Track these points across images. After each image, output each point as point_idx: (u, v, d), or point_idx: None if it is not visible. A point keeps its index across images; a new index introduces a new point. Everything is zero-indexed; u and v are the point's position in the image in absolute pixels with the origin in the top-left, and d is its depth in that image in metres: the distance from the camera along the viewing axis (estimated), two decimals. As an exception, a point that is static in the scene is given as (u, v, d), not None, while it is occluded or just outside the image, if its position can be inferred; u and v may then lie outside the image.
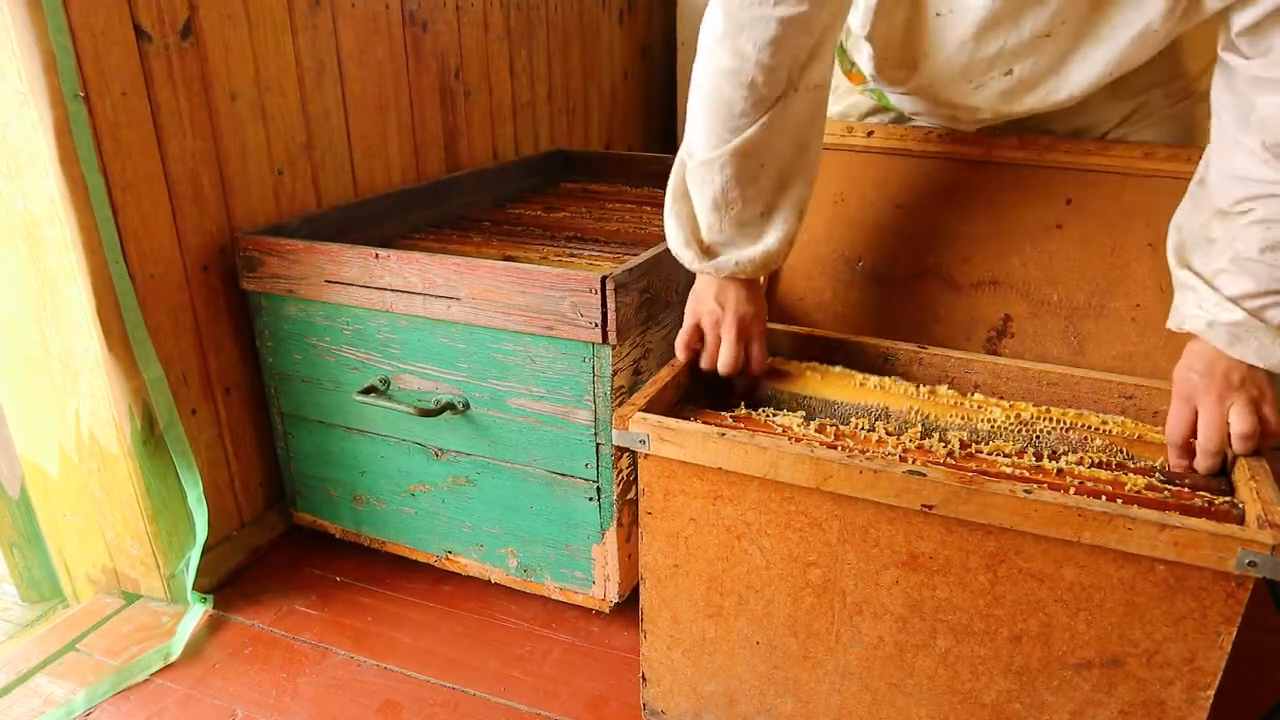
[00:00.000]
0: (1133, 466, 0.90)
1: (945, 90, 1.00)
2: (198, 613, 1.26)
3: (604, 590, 1.21)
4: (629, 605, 1.18)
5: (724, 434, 0.87)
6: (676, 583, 0.96)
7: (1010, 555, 0.80)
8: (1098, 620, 0.79)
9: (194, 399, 1.28)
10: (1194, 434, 0.86)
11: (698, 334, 1.02)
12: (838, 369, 1.06)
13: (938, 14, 0.92)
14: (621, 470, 1.15)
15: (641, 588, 0.99)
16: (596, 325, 1.06)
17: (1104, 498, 0.78)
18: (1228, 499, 0.81)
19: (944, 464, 0.87)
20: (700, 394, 1.06)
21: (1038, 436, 0.95)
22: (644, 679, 1.04)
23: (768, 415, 0.98)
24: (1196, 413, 0.86)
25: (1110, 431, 0.93)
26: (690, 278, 1.24)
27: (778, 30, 0.86)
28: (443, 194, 1.64)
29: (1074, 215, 1.08)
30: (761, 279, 1.03)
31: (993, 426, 0.96)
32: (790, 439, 0.90)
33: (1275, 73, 0.78)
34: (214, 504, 1.32)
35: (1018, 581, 0.80)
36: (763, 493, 0.88)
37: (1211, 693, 0.77)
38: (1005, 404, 0.98)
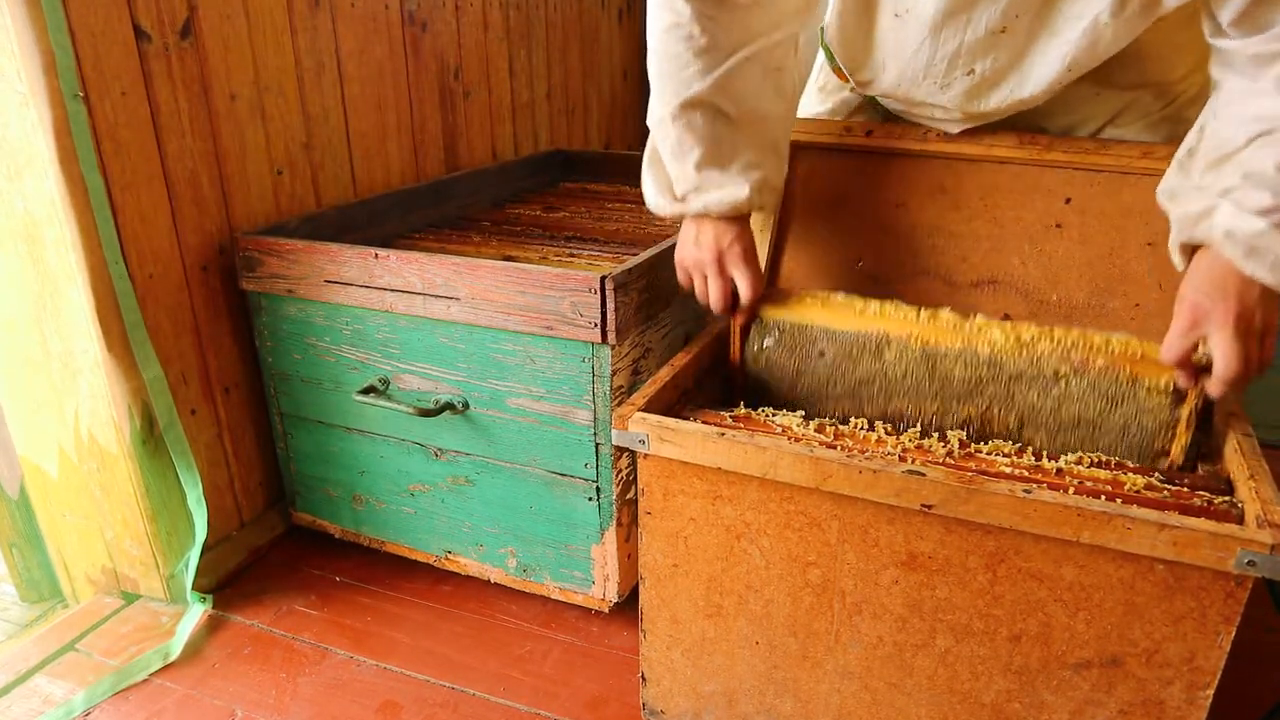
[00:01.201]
0: (1131, 466, 0.90)
1: (914, 91, 1.01)
2: (197, 613, 1.26)
3: (603, 590, 1.21)
4: (628, 605, 1.18)
5: (723, 434, 0.87)
6: (676, 583, 0.96)
7: (1009, 555, 0.80)
8: (1097, 620, 0.79)
9: (193, 399, 1.28)
10: (1192, 354, 0.85)
11: (688, 280, 1.04)
12: (839, 296, 1.05)
13: (895, 15, 0.94)
14: (621, 470, 1.15)
15: (641, 588, 0.99)
16: (596, 325, 1.06)
17: (1103, 497, 0.78)
18: (1227, 498, 0.81)
19: (943, 464, 0.87)
20: (714, 388, 1.06)
21: (1039, 359, 0.93)
22: (643, 679, 1.04)
23: (767, 415, 0.98)
24: (1201, 337, 0.83)
25: (1114, 351, 0.91)
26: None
27: None
28: (442, 194, 1.64)
29: (1073, 214, 1.08)
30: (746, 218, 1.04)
31: (993, 349, 0.94)
32: (790, 439, 0.90)
33: (1277, 46, 0.77)
34: (213, 504, 1.32)
35: (1017, 581, 0.80)
36: (762, 492, 0.88)
37: (1211, 692, 0.77)
38: (1006, 325, 0.96)
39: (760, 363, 1.05)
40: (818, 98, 1.22)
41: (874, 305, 1.02)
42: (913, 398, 0.99)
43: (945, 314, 1.00)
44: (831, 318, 1.02)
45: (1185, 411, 0.89)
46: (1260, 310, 0.81)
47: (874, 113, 1.18)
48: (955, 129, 1.09)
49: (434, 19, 1.67)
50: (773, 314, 1.04)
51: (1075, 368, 0.92)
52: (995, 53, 0.92)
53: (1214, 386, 0.84)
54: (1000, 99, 0.97)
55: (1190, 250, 0.87)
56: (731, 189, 0.98)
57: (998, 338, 0.95)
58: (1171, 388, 0.89)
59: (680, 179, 1.00)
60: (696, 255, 1.02)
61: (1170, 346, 0.85)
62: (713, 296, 1.02)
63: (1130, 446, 0.92)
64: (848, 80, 1.13)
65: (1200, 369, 0.85)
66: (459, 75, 1.77)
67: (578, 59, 2.24)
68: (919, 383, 0.98)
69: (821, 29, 1.09)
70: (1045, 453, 0.92)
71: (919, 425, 0.98)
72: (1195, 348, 0.84)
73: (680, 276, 1.06)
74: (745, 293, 1.01)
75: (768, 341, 1.04)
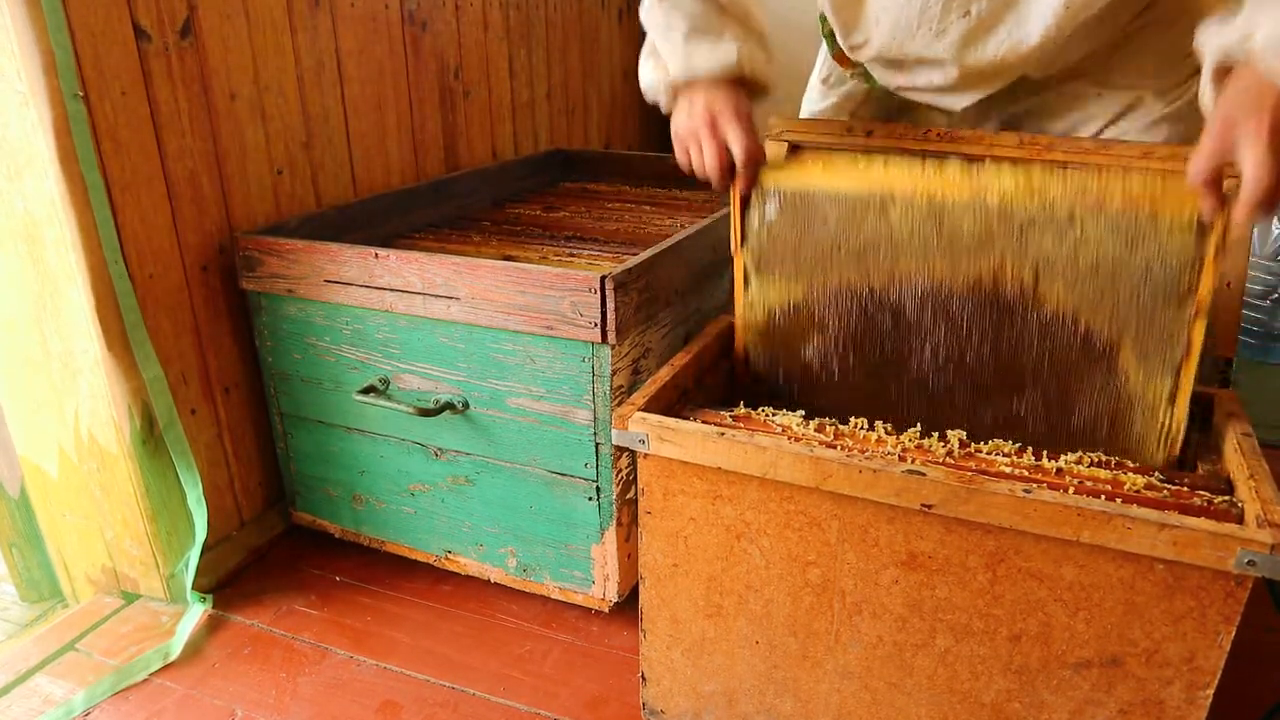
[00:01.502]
0: (1131, 466, 0.90)
1: (909, 44, 0.99)
2: (197, 612, 1.26)
3: (603, 590, 1.21)
4: (628, 605, 1.18)
5: (723, 433, 0.87)
6: (676, 582, 0.96)
7: (1009, 555, 0.80)
8: (1097, 620, 0.79)
9: (193, 399, 1.28)
10: (1221, 173, 0.79)
11: (686, 156, 1.02)
12: (842, 155, 1.01)
13: None
14: (621, 470, 1.15)
15: (641, 587, 0.99)
16: (596, 325, 1.06)
17: (1103, 497, 0.78)
18: (1227, 498, 0.81)
19: (943, 463, 0.87)
20: (714, 388, 1.06)
21: (1052, 202, 0.89)
22: (643, 679, 1.04)
23: (767, 415, 0.98)
24: (1231, 150, 0.77)
25: (1132, 187, 0.87)
26: (688, 276, 1.25)
27: None
28: (442, 193, 1.64)
29: (1073, 214, 1.07)
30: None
31: (1002, 198, 0.90)
32: (790, 438, 0.90)
33: None
34: (213, 504, 1.32)
35: (1017, 581, 0.80)
36: (762, 492, 0.88)
37: (1210, 692, 0.77)
38: (1018, 169, 0.93)
39: (762, 238, 1.01)
40: (820, 91, 1.21)
41: (879, 162, 0.97)
42: (920, 257, 0.94)
43: (954, 163, 0.95)
44: (834, 179, 0.97)
45: (1212, 244, 0.84)
46: None
47: (878, 106, 1.18)
48: (956, 103, 1.07)
49: (434, 19, 1.67)
50: (773, 180, 1.00)
51: (1091, 207, 0.87)
52: None
53: (1241, 210, 0.76)
54: (998, 44, 0.95)
55: (1224, 74, 0.80)
56: (720, 53, 0.98)
57: (1008, 184, 0.91)
58: (1195, 222, 0.84)
59: (671, 54, 1.00)
60: (690, 123, 1.00)
61: (1197, 164, 0.79)
62: (708, 162, 0.99)
63: (1155, 290, 0.87)
64: (849, 65, 1.12)
65: (1228, 198, 0.79)
66: (459, 75, 1.77)
67: (578, 59, 2.24)
68: (926, 240, 0.93)
69: (821, 15, 1.09)
70: (1045, 453, 0.91)
71: (929, 284, 0.94)
72: (1222, 168, 0.78)
73: (678, 153, 1.03)
74: (740, 154, 0.98)
75: (769, 211, 1.00)
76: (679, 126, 1.02)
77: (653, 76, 1.04)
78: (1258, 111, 0.74)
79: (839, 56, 1.15)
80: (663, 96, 1.04)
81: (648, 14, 1.02)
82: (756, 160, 0.99)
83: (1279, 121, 0.73)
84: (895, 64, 1.06)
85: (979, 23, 0.94)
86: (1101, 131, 1.07)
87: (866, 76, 1.14)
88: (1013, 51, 0.96)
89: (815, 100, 1.22)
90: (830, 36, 1.13)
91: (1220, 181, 0.79)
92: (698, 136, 0.99)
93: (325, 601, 1.31)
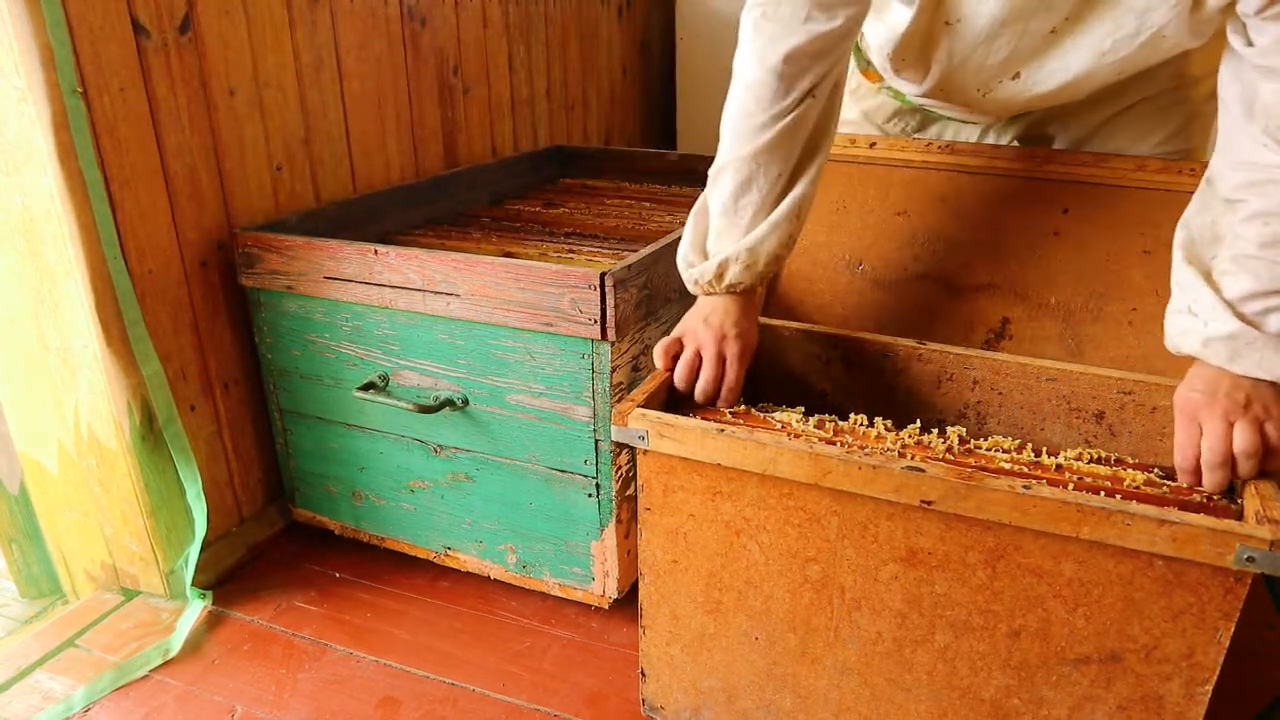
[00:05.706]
0: (1131, 462, 0.90)
1: (954, 96, 1.02)
2: (197, 609, 1.26)
3: (603, 586, 1.21)
4: (628, 601, 1.18)
5: (723, 430, 0.87)
6: (675, 578, 0.96)
7: (1009, 551, 0.80)
8: (1096, 616, 0.79)
9: (193, 395, 1.28)
10: (1198, 459, 0.83)
11: (678, 345, 0.99)
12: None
13: (947, 22, 0.94)
14: (620, 466, 1.15)
15: (640, 583, 0.99)
16: (596, 321, 1.06)
17: (1102, 493, 0.78)
18: (1226, 494, 0.81)
19: (943, 460, 0.87)
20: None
21: None
22: (643, 674, 1.04)
23: (767, 411, 0.98)
24: (1198, 436, 0.82)
25: None
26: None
27: (804, 41, 0.90)
28: (441, 190, 1.64)
29: (1071, 224, 1.08)
30: (758, 297, 1.03)
31: None
32: (789, 435, 0.90)
33: (1276, 61, 0.78)
34: (213, 500, 1.32)
35: (1016, 577, 0.81)
36: (762, 489, 0.88)
37: (1209, 688, 0.77)
38: None
39: None
40: (848, 100, 1.21)
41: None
42: None
43: None
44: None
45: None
46: (1255, 403, 0.80)
47: (905, 118, 1.19)
48: (982, 120, 1.09)
49: (433, 15, 1.67)
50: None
51: None
52: (1043, 58, 0.93)
53: (1206, 476, 0.81)
54: (1030, 96, 0.99)
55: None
56: (760, 242, 0.97)
57: None
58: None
59: (720, 233, 0.99)
60: (698, 332, 0.99)
61: (1177, 446, 0.84)
62: (702, 381, 0.97)
63: None
64: (879, 80, 1.13)
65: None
66: (458, 71, 1.77)
67: (577, 55, 2.24)
68: None
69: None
70: (1045, 450, 0.92)
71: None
72: (1198, 454, 0.82)
73: (670, 339, 1.00)
74: (726, 395, 0.97)
75: None
76: (689, 332, 0.99)
77: (688, 250, 1.00)
78: (1211, 396, 0.82)
79: (868, 73, 1.15)
80: (684, 271, 1.01)
81: (717, 175, 0.97)
82: (731, 404, 0.98)
83: (1230, 407, 0.80)
84: (933, 100, 1.08)
85: (1026, 85, 0.97)
86: (1099, 128, 1.09)
87: (896, 93, 1.15)
88: (1040, 100, 0.99)
89: (843, 109, 1.24)
90: (858, 50, 1.13)
91: (1199, 469, 0.83)
92: (696, 347, 0.98)
93: (325, 598, 1.31)
